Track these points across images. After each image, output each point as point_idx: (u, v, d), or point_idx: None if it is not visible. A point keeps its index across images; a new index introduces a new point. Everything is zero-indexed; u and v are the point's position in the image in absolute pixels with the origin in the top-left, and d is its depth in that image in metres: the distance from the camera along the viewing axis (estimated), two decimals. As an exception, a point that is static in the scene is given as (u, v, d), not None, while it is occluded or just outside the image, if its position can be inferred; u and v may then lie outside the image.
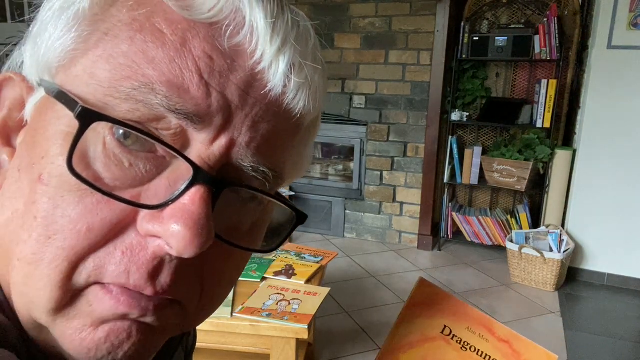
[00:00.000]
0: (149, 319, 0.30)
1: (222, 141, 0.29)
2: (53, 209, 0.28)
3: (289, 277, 1.80)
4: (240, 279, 1.77)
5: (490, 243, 3.50)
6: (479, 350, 0.49)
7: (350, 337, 2.40)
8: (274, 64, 0.30)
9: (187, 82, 0.28)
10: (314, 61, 0.32)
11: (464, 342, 0.49)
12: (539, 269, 2.99)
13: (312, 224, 3.92)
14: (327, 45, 3.61)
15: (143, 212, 0.28)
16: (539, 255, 2.95)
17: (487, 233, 3.49)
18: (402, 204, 3.67)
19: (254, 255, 1.99)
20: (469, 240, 3.57)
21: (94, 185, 0.27)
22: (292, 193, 3.84)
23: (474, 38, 3.29)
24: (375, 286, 2.99)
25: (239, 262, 0.35)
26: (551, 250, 3.01)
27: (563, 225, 3.24)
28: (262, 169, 0.31)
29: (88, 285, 0.28)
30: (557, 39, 3.12)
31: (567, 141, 3.42)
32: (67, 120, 0.28)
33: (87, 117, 0.27)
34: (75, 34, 0.30)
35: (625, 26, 2.90)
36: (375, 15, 3.45)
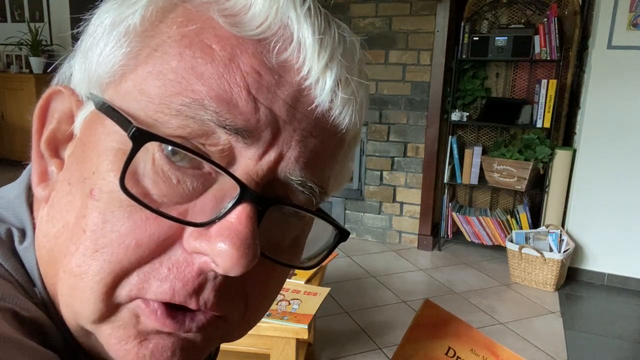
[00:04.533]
0: (192, 336, 0.30)
1: (271, 156, 0.29)
2: (102, 224, 0.28)
3: (289, 277, 1.80)
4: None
5: (490, 243, 3.50)
6: None
7: (350, 337, 2.40)
8: (321, 80, 0.30)
9: (235, 97, 0.28)
10: (360, 76, 0.33)
11: None
12: (539, 269, 2.99)
13: (312, 224, 3.91)
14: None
15: (190, 229, 0.28)
16: (539, 255, 2.95)
17: (487, 233, 3.49)
18: (402, 204, 3.67)
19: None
20: (469, 240, 3.57)
21: (144, 203, 0.28)
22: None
23: (474, 38, 3.29)
24: (375, 286, 2.98)
25: (281, 277, 0.35)
26: (551, 250, 3.01)
27: (563, 225, 3.24)
28: (309, 184, 0.31)
29: (130, 300, 0.29)
30: (557, 39, 3.12)
31: (567, 141, 3.42)
32: (117, 137, 0.29)
33: (140, 137, 0.27)
34: (126, 50, 0.30)
35: (625, 26, 2.90)
36: (375, 15, 3.45)
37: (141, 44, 0.30)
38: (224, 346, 1.75)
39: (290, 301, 1.60)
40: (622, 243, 3.08)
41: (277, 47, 0.30)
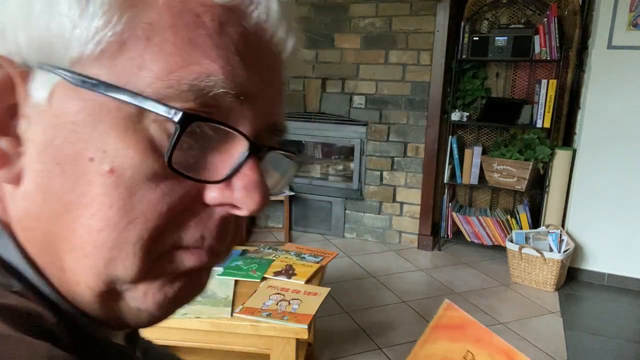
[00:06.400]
0: (208, 270, 0.36)
1: (263, 112, 0.34)
2: (129, 197, 0.29)
3: (289, 277, 1.80)
4: (240, 278, 1.77)
5: (490, 243, 3.50)
6: None
7: (350, 337, 2.40)
8: (285, 41, 0.35)
9: (232, 64, 0.31)
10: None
11: None
12: (539, 269, 2.99)
13: (312, 224, 3.91)
14: (327, 45, 3.61)
15: (208, 186, 0.32)
16: (539, 255, 2.95)
17: (487, 233, 3.49)
18: (402, 204, 3.67)
19: (254, 255, 1.99)
20: (469, 240, 3.57)
21: (187, 175, 0.30)
22: (293, 193, 3.83)
23: (474, 38, 3.29)
24: (375, 286, 2.99)
25: None
26: (551, 250, 3.01)
27: (563, 225, 3.24)
28: (282, 128, 0.37)
29: (169, 250, 0.32)
30: (557, 39, 3.12)
31: (567, 141, 3.42)
32: (122, 114, 0.29)
33: (188, 120, 0.29)
34: (107, 20, 0.28)
35: (625, 26, 2.90)
36: (375, 15, 3.45)
37: (126, 14, 0.28)
38: (223, 346, 1.74)
39: (290, 301, 1.60)
40: (622, 243, 3.08)
41: (251, 12, 0.32)
